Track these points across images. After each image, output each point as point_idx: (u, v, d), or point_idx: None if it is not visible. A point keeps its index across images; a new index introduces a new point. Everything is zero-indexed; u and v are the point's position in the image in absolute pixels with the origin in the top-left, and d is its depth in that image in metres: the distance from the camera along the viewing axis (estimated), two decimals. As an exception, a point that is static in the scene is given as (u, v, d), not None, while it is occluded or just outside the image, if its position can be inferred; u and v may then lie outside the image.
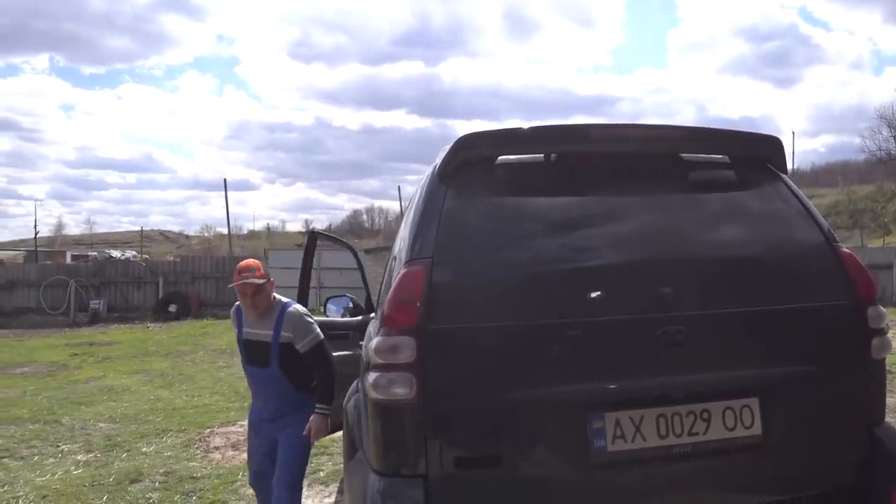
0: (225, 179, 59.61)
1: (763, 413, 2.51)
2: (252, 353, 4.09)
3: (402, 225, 2.98)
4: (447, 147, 2.73)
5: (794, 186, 2.90)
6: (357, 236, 66.58)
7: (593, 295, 2.52)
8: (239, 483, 5.62)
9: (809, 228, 2.78)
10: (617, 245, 2.62)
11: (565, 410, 2.41)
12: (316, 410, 3.85)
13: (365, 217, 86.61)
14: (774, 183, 2.88)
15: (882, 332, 2.69)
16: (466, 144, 2.69)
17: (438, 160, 2.75)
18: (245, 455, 6.39)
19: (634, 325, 2.47)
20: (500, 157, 2.69)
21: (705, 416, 2.46)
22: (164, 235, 51.68)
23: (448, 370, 2.39)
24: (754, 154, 2.95)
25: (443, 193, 2.62)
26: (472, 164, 2.68)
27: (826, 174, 55.04)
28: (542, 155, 2.77)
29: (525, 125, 2.75)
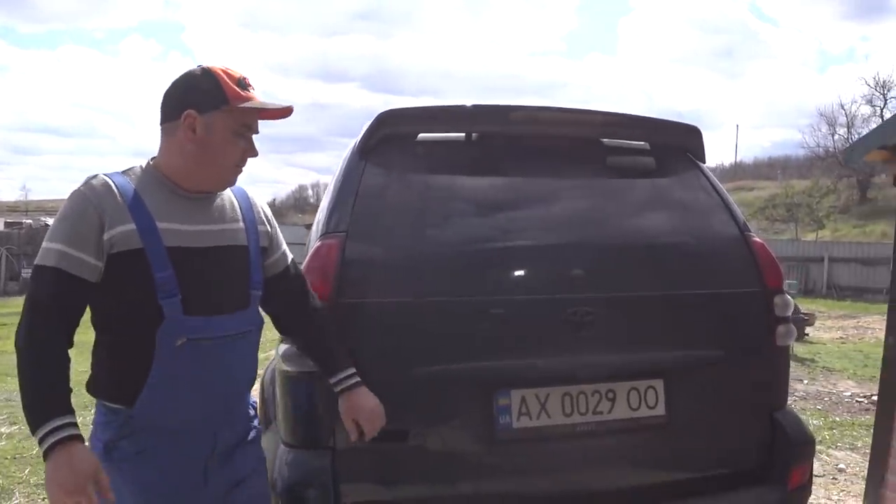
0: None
1: (667, 395, 2.60)
2: (204, 277, 1.96)
3: (323, 199, 2.99)
4: (368, 122, 2.74)
5: (712, 176, 3.00)
6: (301, 211, 66.08)
7: (504, 274, 2.57)
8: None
9: (723, 217, 2.88)
10: (531, 226, 2.68)
11: (472, 387, 2.46)
12: (351, 380, 2.26)
13: (310, 192, 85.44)
14: (692, 171, 2.97)
15: (787, 321, 2.83)
16: (387, 120, 2.70)
17: (359, 135, 2.76)
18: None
19: (544, 305, 2.53)
20: (420, 135, 2.69)
21: (610, 395, 2.54)
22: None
23: (358, 344, 2.40)
24: (674, 142, 3.03)
25: (361, 168, 2.63)
26: (392, 140, 2.69)
27: (768, 168, 56.47)
28: (463, 134, 2.79)
29: (450, 103, 2.76)
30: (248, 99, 1.96)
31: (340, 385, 2.25)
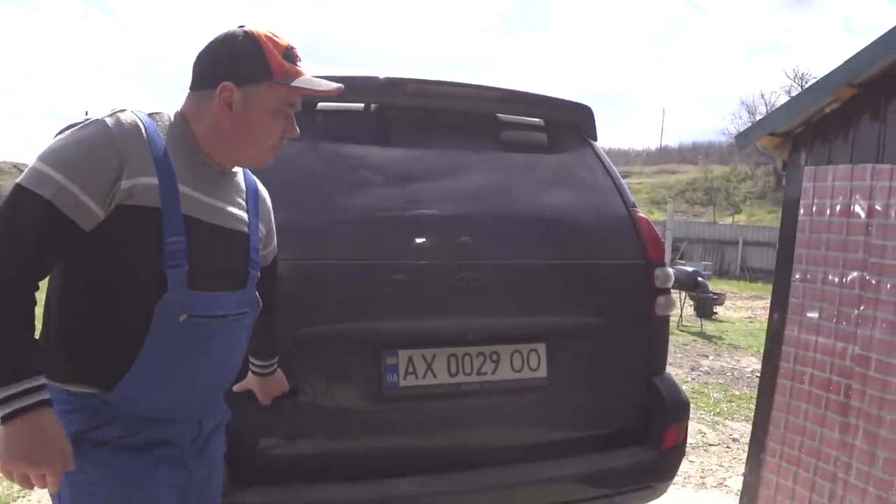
0: (87, 111, 54.89)
1: (549, 358, 2.77)
2: (210, 253, 1.75)
3: None
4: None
5: (602, 154, 3.17)
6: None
7: (397, 240, 2.68)
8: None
9: (611, 193, 3.04)
10: (425, 196, 2.80)
11: (362, 346, 2.59)
12: (269, 369, 2.28)
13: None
14: (584, 149, 3.13)
15: (667, 292, 3.03)
16: None
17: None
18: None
19: (433, 270, 2.65)
20: (319, 104, 2.74)
21: (494, 357, 2.69)
22: (18, 168, 48.31)
23: None
24: (567, 120, 3.18)
25: None
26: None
27: (691, 152, 57.82)
28: (361, 105, 2.87)
29: (348, 74, 2.83)
30: (296, 74, 1.74)
31: (267, 369, 2.25)
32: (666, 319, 3.08)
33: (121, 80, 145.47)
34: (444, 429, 2.69)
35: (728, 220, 35.71)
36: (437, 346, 2.63)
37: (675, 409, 2.99)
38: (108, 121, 1.60)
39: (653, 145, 64.52)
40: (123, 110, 1.64)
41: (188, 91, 1.77)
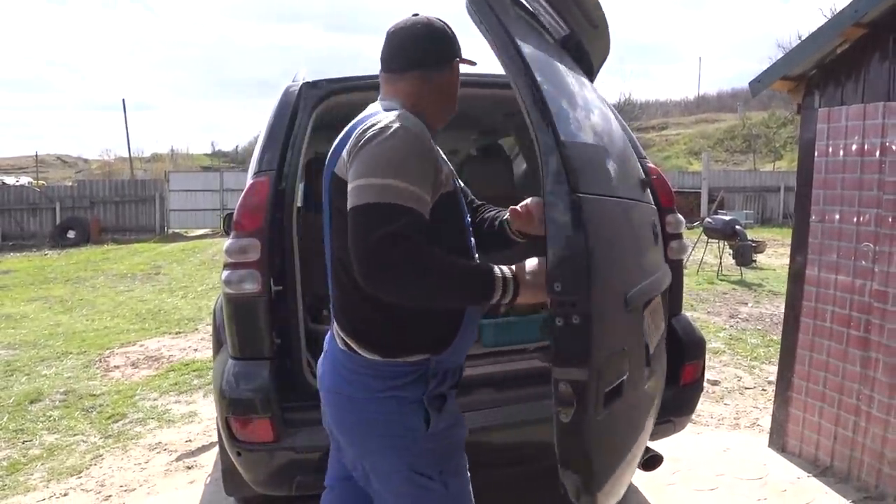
0: (123, 100, 56.36)
1: None
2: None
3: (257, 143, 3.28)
4: (298, 79, 3.13)
5: (613, 109, 3.29)
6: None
7: None
8: (138, 398, 5.88)
9: None
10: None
11: None
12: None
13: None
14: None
15: (679, 237, 3.17)
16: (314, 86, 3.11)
17: (291, 89, 3.10)
18: (144, 372, 6.69)
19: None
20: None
21: None
22: (62, 160, 49.40)
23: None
24: None
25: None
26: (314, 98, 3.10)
27: (731, 99, 56.38)
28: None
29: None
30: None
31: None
32: (679, 263, 3.22)
33: (151, 65, 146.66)
34: None
35: (769, 167, 35.08)
36: None
37: (691, 348, 3.15)
38: (409, 125, 1.79)
39: (691, 94, 63.09)
40: (398, 111, 1.84)
41: (397, 74, 1.99)
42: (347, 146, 1.82)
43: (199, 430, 5.11)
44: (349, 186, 1.75)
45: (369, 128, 1.79)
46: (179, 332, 8.47)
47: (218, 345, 3.25)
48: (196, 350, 7.50)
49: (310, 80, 3.14)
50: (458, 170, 4.87)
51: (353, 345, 1.90)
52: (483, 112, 4.30)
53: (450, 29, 2.01)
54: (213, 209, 22.40)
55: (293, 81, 3.17)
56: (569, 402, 1.67)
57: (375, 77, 3.25)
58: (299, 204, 4.50)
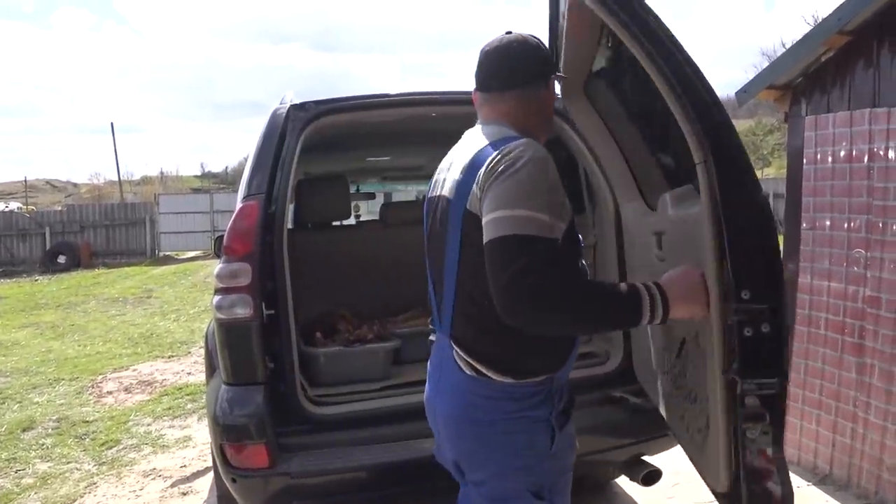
0: (112, 123, 55.38)
1: None
2: None
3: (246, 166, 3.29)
4: (286, 101, 3.15)
5: None
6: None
7: None
8: (132, 423, 5.83)
9: None
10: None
11: None
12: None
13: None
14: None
15: None
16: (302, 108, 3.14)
17: (278, 112, 3.12)
18: (137, 397, 6.63)
19: None
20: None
21: None
22: (51, 185, 49.27)
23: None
24: None
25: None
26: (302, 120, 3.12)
27: (715, 107, 56.64)
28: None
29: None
30: None
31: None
32: None
33: (140, 87, 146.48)
34: None
35: (758, 175, 35.10)
36: None
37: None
38: (539, 154, 1.77)
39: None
40: (528, 140, 1.81)
41: (497, 93, 1.96)
42: (479, 180, 1.79)
43: (194, 454, 5.06)
44: (484, 220, 1.74)
45: (500, 159, 1.76)
46: (172, 356, 8.41)
47: (210, 370, 3.23)
48: (189, 374, 7.45)
49: (297, 102, 3.14)
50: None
51: (484, 370, 1.88)
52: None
53: (544, 45, 2.02)
54: (204, 231, 22.34)
55: (281, 104, 3.17)
56: (759, 416, 1.63)
57: (363, 98, 3.33)
58: (290, 226, 4.52)
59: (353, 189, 7.71)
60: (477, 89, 2.01)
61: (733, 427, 1.67)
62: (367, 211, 9.39)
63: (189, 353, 8.52)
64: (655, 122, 2.21)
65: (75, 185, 49.68)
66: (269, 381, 2.80)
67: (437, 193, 2.01)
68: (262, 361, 2.79)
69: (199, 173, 51.80)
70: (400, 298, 4.05)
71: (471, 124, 1.99)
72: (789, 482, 1.70)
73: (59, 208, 27.02)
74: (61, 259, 21.07)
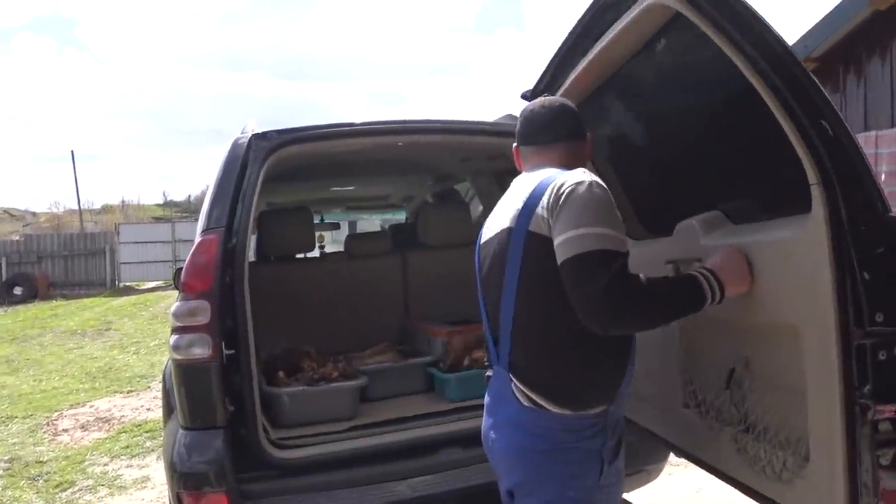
0: (72, 151, 55.66)
1: None
2: None
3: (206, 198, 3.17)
4: (247, 131, 3.04)
5: None
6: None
7: None
8: (88, 463, 5.62)
9: None
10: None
11: None
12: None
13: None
14: None
15: None
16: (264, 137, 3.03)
17: (240, 142, 3.01)
18: (94, 435, 6.41)
19: None
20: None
21: None
22: (9, 213, 48.28)
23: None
24: None
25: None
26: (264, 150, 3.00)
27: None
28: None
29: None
30: None
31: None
32: None
33: (101, 115, 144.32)
34: None
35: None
36: None
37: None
38: (596, 181, 1.92)
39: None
40: (590, 176, 1.96)
41: (544, 146, 2.14)
42: (544, 203, 1.91)
43: (153, 496, 4.88)
44: (561, 238, 1.85)
45: (564, 184, 1.90)
46: (131, 391, 8.18)
47: (168, 411, 3.09)
48: (149, 409, 7.23)
49: (259, 131, 3.04)
50: (415, 216, 4.83)
51: (542, 402, 1.96)
52: (438, 158, 4.25)
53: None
54: (166, 261, 22.00)
55: (242, 133, 3.06)
56: (892, 441, 1.60)
57: (326, 127, 3.24)
58: (252, 259, 4.39)
59: (317, 219, 7.60)
60: (522, 143, 2.19)
61: (859, 453, 1.64)
62: (332, 240, 9.27)
63: (149, 387, 8.29)
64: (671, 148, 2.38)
65: (34, 214, 48.72)
66: (229, 424, 2.68)
67: (494, 232, 2.10)
68: (222, 404, 2.67)
69: (161, 202, 51.08)
70: (366, 333, 3.96)
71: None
72: None
73: (17, 238, 26.44)
74: (17, 290, 20.58)
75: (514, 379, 2.00)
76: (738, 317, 2.04)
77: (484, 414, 2.17)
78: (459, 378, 3.43)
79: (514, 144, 2.23)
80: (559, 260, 1.84)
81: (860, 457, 1.64)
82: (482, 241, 2.21)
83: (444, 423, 3.09)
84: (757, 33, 1.69)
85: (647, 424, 2.42)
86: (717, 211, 2.18)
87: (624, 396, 2.06)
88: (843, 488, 1.68)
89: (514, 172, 2.22)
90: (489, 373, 2.16)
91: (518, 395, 1.98)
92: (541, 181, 1.97)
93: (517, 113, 2.32)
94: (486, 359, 2.23)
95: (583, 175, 1.93)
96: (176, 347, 2.65)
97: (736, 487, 2.19)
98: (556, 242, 1.85)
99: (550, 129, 2.15)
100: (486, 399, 2.16)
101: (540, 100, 2.22)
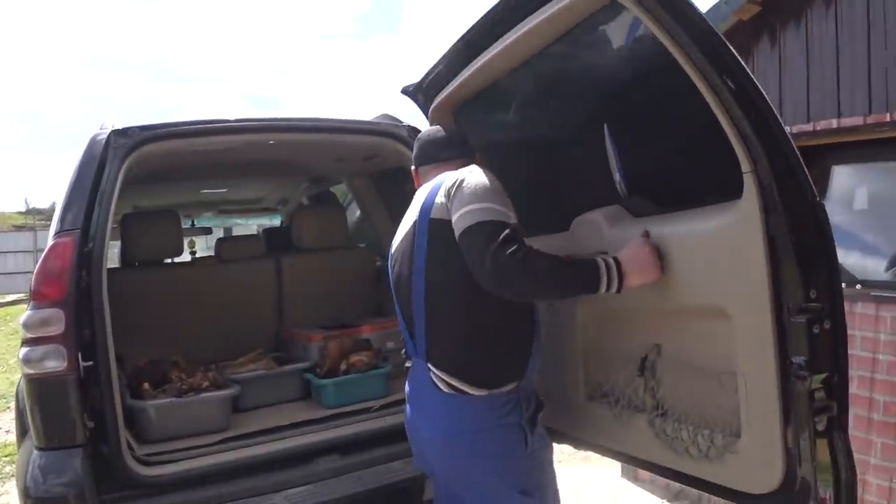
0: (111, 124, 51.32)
1: None
2: None
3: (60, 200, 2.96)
4: (106, 126, 2.86)
5: None
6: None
7: None
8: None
9: None
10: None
11: None
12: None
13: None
14: None
15: None
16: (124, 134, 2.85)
17: (97, 138, 2.82)
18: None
19: None
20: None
21: None
22: None
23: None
24: None
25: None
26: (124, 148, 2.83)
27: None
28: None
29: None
30: None
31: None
32: None
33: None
34: None
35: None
36: None
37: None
38: (486, 171, 2.16)
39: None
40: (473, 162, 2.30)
41: (444, 162, 2.34)
42: (442, 192, 2.13)
43: (11, 526, 4.53)
44: (455, 216, 2.05)
45: (457, 175, 2.14)
46: (-10, 412, 7.61)
47: (23, 431, 2.86)
48: (9, 432, 6.73)
49: (119, 127, 2.84)
50: (290, 219, 4.68)
51: (461, 386, 2.11)
52: (313, 158, 4.12)
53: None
54: (27, 272, 20.75)
55: (100, 129, 2.86)
56: (828, 408, 1.69)
57: (192, 123, 3.08)
58: (116, 264, 4.14)
59: (188, 224, 7.29)
60: (421, 164, 2.40)
61: (798, 422, 1.72)
62: (207, 247, 8.94)
63: (9, 407, 7.71)
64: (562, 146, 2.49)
65: None
66: (89, 442, 2.50)
67: (402, 235, 2.28)
68: (81, 420, 2.48)
69: (22, 209, 48.09)
70: (239, 340, 3.82)
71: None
72: (853, 467, 1.75)
73: None
74: None
75: (432, 368, 2.16)
76: (649, 305, 2.12)
77: (406, 404, 2.32)
78: (337, 384, 3.36)
79: (413, 167, 2.42)
80: (457, 235, 2.03)
81: (800, 425, 1.73)
82: (393, 247, 2.34)
83: (320, 431, 3.01)
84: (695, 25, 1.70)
85: (548, 423, 2.37)
86: (616, 205, 2.27)
87: (533, 371, 2.23)
88: (782, 458, 1.76)
89: (391, 174, 2.33)
90: (409, 363, 2.31)
91: (438, 382, 2.14)
92: (440, 181, 2.18)
93: (393, 112, 2.57)
94: (403, 351, 2.41)
95: (474, 167, 2.18)
96: (27, 361, 2.46)
97: (655, 472, 2.26)
98: (453, 221, 2.06)
99: (448, 148, 2.38)
100: (407, 388, 2.32)
101: (434, 127, 2.50)
